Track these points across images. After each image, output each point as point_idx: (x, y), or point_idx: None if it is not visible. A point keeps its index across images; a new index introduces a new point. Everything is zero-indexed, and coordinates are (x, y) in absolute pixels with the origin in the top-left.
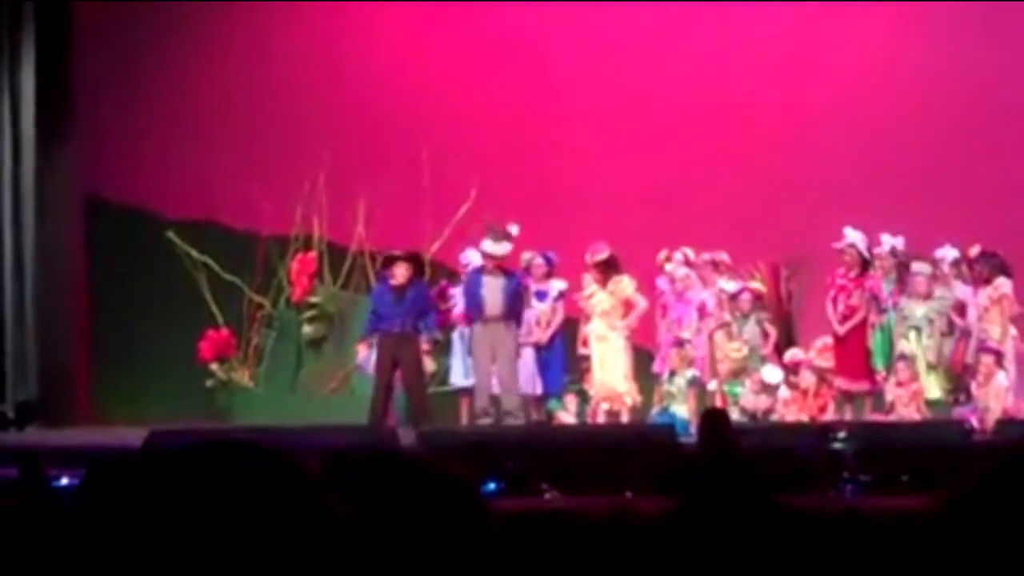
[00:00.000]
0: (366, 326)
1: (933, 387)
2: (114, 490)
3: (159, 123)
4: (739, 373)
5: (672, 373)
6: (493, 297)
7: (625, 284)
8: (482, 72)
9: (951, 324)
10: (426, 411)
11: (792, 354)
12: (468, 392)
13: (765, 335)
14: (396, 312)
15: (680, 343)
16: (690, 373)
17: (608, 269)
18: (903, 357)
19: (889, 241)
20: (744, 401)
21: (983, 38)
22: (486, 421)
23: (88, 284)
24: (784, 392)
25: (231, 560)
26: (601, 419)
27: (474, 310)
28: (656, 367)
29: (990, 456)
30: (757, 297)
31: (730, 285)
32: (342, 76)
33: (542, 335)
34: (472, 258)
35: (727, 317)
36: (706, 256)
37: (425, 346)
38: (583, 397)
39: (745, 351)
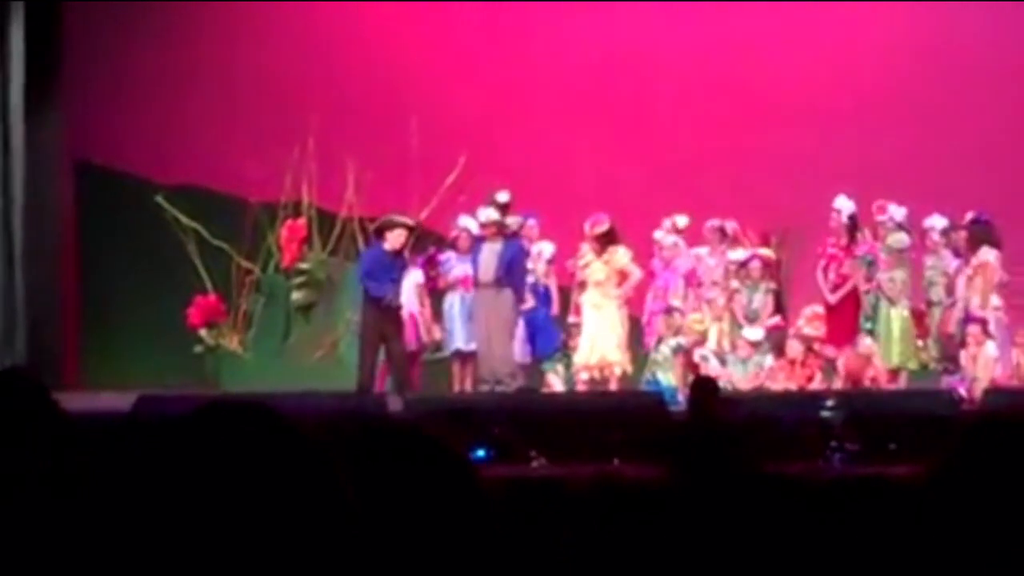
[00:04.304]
0: (372, 289)
1: (894, 354)
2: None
3: (148, 88)
4: (700, 343)
5: (659, 340)
6: (486, 264)
7: (620, 255)
8: (472, 39)
9: (939, 294)
10: (411, 379)
11: (772, 322)
12: (460, 358)
13: (776, 305)
14: (391, 276)
15: (669, 310)
16: (675, 341)
17: (607, 241)
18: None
19: (892, 210)
20: (736, 376)
21: (973, 7)
22: (486, 387)
23: (76, 249)
24: (769, 360)
25: (238, 521)
26: (581, 388)
27: (473, 277)
28: (645, 339)
29: (975, 425)
30: (767, 265)
31: (739, 253)
32: (331, 42)
33: (533, 301)
34: (469, 225)
35: (735, 284)
36: (714, 222)
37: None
38: (570, 365)
39: (707, 322)
